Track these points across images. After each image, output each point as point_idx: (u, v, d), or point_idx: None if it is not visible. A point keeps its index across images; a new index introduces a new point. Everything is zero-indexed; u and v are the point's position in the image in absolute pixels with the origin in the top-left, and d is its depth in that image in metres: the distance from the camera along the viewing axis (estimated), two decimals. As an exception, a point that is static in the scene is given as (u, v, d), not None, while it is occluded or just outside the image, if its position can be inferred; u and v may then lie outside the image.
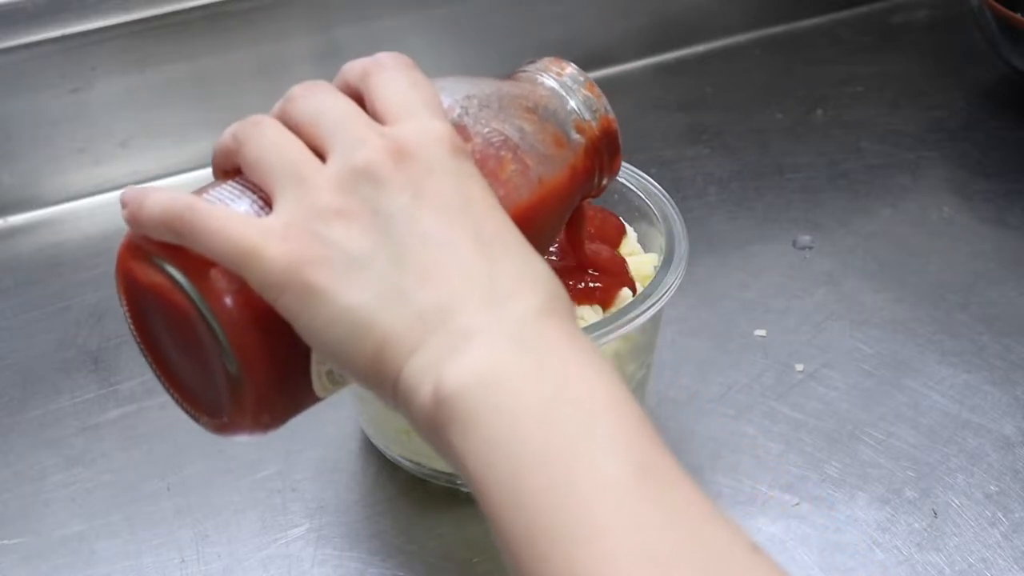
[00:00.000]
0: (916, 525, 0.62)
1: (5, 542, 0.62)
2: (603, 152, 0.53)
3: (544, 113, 0.51)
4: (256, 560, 0.61)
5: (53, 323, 0.76)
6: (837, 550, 0.60)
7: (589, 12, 0.98)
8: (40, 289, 0.79)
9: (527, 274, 0.41)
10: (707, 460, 0.65)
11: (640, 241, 0.65)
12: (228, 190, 0.44)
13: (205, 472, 0.65)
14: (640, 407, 0.39)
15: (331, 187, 0.41)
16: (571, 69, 0.53)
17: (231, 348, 0.43)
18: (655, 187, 0.65)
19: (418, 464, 0.63)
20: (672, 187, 0.66)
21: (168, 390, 0.48)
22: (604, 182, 0.54)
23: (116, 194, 0.86)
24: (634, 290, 0.60)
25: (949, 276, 0.78)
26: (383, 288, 0.40)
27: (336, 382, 0.46)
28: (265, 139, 0.43)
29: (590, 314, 0.59)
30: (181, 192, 0.43)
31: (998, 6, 0.88)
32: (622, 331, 0.56)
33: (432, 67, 0.49)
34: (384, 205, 0.40)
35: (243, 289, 0.42)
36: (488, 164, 0.47)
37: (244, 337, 0.43)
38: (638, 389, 0.64)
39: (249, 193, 0.43)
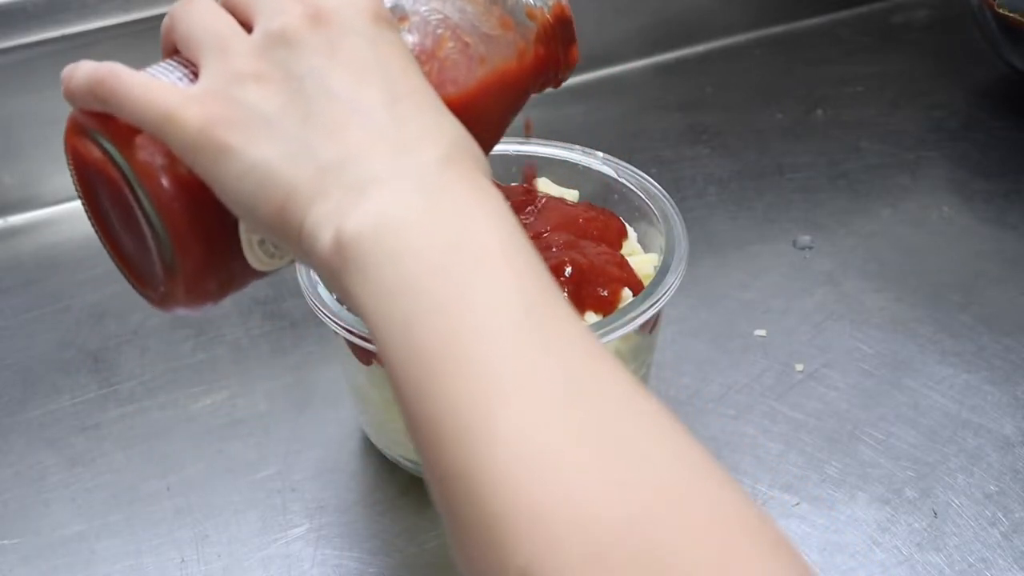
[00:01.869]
0: (916, 525, 0.62)
1: (5, 542, 0.62)
2: (556, 40, 0.52)
3: None
4: (256, 560, 0.61)
5: (53, 323, 0.76)
6: (837, 550, 0.60)
7: (589, 12, 0.98)
8: (40, 289, 0.79)
9: (434, 127, 0.42)
10: (707, 460, 0.65)
11: (640, 241, 0.65)
12: (163, 66, 0.45)
13: (205, 472, 0.65)
14: (536, 253, 0.40)
15: (249, 53, 0.43)
16: None
17: (158, 216, 0.44)
18: (655, 187, 0.65)
19: (418, 464, 0.63)
20: (672, 187, 0.66)
21: (116, 264, 0.49)
22: (561, 74, 0.53)
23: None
24: (637, 291, 0.60)
25: (949, 276, 0.78)
26: (290, 144, 0.41)
27: (272, 254, 0.47)
28: (194, 14, 0.45)
29: (590, 315, 0.59)
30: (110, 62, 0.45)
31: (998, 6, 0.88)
32: (622, 331, 0.56)
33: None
34: (297, 67, 0.42)
35: (169, 157, 0.44)
36: (425, 43, 0.48)
37: (170, 204, 0.44)
38: (638, 389, 0.64)
39: (182, 68, 0.45)
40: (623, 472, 0.34)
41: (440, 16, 0.48)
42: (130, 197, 0.45)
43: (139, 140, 0.44)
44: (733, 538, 0.33)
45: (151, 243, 0.45)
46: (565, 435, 0.35)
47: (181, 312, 0.48)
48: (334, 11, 0.43)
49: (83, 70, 0.45)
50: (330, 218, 0.40)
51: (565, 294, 0.58)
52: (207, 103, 0.42)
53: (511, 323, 0.37)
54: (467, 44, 0.48)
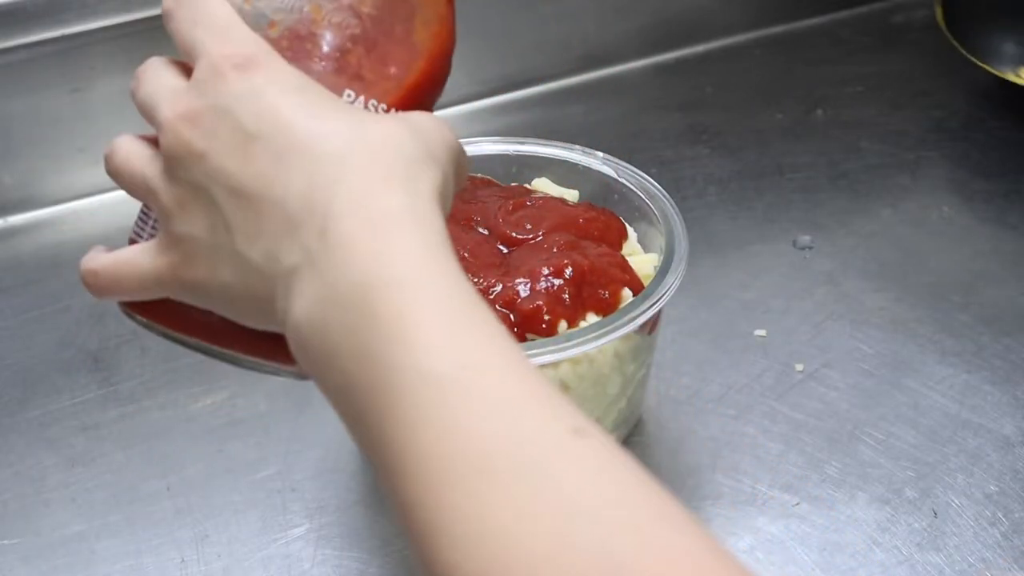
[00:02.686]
0: (916, 525, 0.62)
1: (5, 542, 0.62)
2: None
3: None
4: (256, 560, 0.61)
5: (53, 323, 0.76)
6: (837, 550, 0.60)
7: (589, 12, 0.98)
8: (40, 289, 0.79)
9: (315, 179, 0.40)
10: (707, 460, 0.65)
11: (640, 241, 0.65)
12: (139, 218, 0.47)
13: (205, 472, 0.65)
14: (456, 270, 0.39)
15: (163, 184, 0.44)
16: None
17: (217, 349, 0.47)
18: (655, 187, 0.65)
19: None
20: (672, 187, 0.66)
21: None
22: None
23: (116, 194, 0.86)
24: (638, 291, 0.60)
25: (949, 276, 0.78)
26: (232, 259, 0.42)
27: None
28: (116, 167, 0.46)
29: (591, 315, 0.59)
30: (94, 254, 0.47)
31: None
32: (622, 331, 0.56)
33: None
34: (196, 179, 0.42)
35: (176, 302, 0.46)
36: (297, 42, 0.47)
37: (217, 338, 0.47)
38: (638, 389, 0.64)
39: (153, 214, 0.47)
40: (578, 545, 0.33)
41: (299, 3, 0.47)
42: (181, 342, 0.48)
43: (156, 306, 0.47)
44: None
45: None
46: (514, 519, 0.34)
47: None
48: (197, 98, 0.42)
49: (81, 275, 0.48)
50: (284, 322, 0.41)
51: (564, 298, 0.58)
52: (163, 253, 0.44)
53: (433, 399, 0.36)
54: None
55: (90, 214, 0.86)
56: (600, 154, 0.68)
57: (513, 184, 0.68)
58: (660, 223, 0.63)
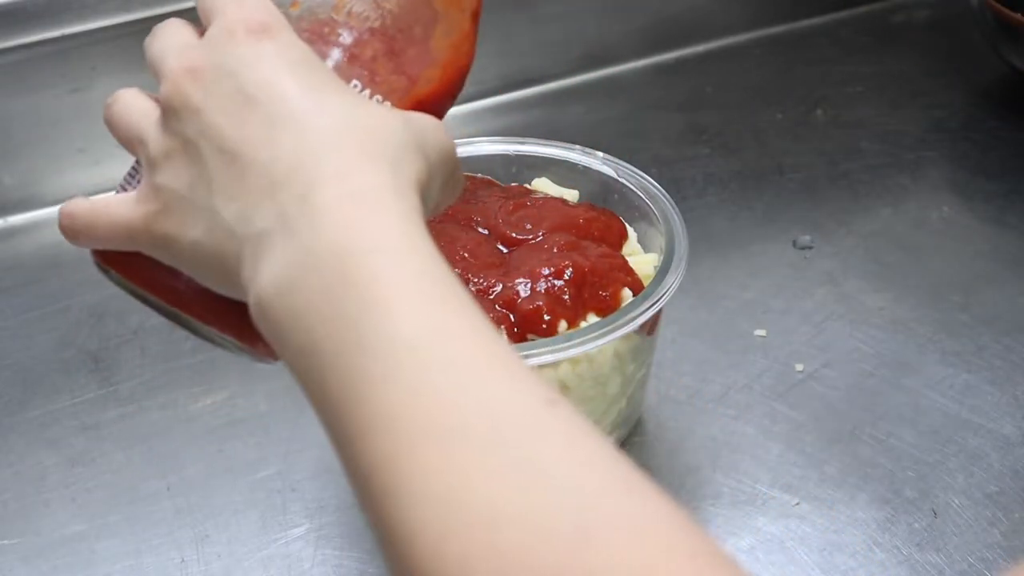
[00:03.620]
0: (916, 525, 0.62)
1: (5, 542, 0.62)
2: None
3: None
4: (256, 560, 0.61)
5: (53, 323, 0.76)
6: (837, 550, 0.60)
7: (589, 12, 0.98)
8: (40, 289, 0.79)
9: (304, 148, 0.40)
10: (707, 460, 0.65)
11: (640, 241, 0.65)
12: (129, 172, 0.47)
13: (205, 472, 0.65)
14: (431, 253, 0.39)
15: (157, 135, 0.43)
16: None
17: (171, 310, 0.46)
18: (655, 187, 0.65)
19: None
20: (672, 187, 0.66)
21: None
22: None
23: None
24: (638, 291, 0.60)
25: (949, 276, 0.78)
26: (206, 218, 0.42)
27: None
28: (113, 116, 0.46)
29: (591, 316, 0.59)
30: (76, 200, 0.46)
31: (998, 6, 0.88)
32: (622, 331, 0.56)
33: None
34: (188, 133, 0.42)
35: (148, 259, 0.45)
36: (316, 24, 0.47)
37: (181, 301, 0.46)
38: (638, 389, 0.64)
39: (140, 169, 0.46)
40: (546, 509, 0.33)
41: None
42: (145, 299, 0.47)
43: (125, 258, 0.46)
44: (657, 558, 0.32)
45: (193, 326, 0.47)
46: (483, 480, 0.34)
47: (266, 364, 0.48)
48: (206, 52, 0.43)
49: (59, 216, 0.47)
50: (248, 286, 0.40)
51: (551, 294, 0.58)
52: (140, 203, 0.44)
53: (406, 361, 0.36)
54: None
55: (90, 214, 0.86)
56: (600, 154, 0.68)
57: (513, 184, 0.68)
58: (660, 223, 0.63)
